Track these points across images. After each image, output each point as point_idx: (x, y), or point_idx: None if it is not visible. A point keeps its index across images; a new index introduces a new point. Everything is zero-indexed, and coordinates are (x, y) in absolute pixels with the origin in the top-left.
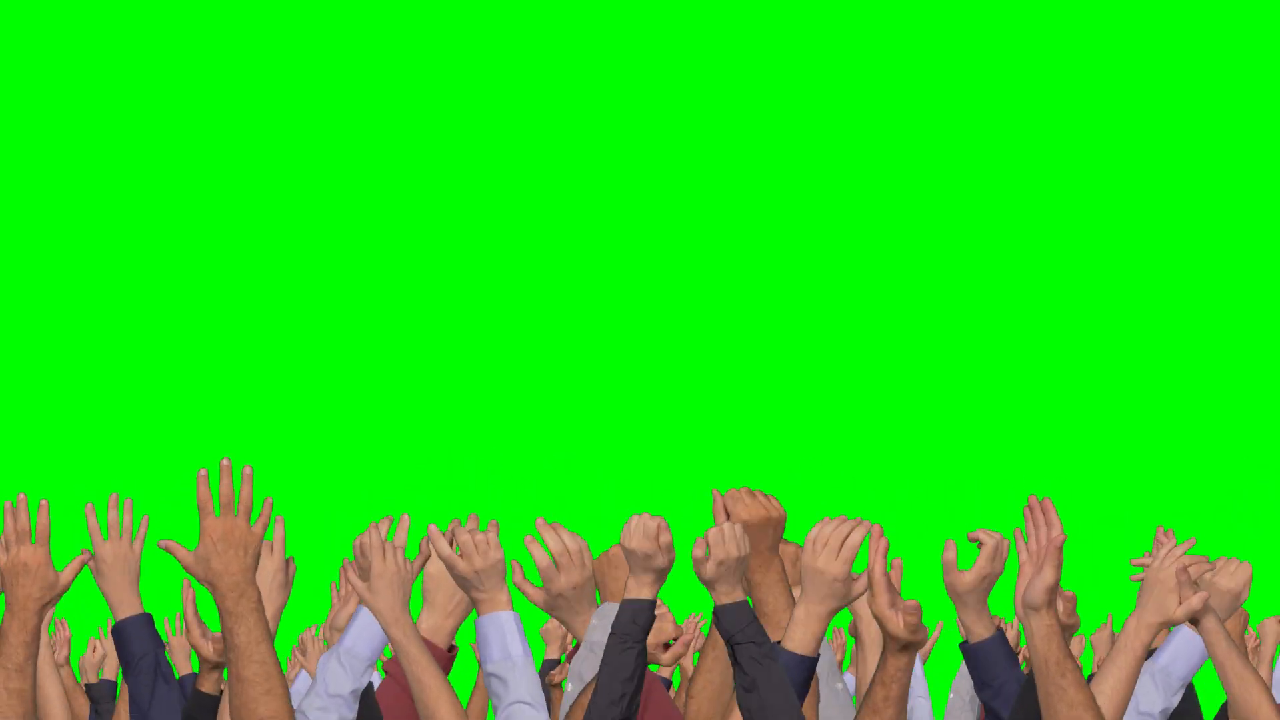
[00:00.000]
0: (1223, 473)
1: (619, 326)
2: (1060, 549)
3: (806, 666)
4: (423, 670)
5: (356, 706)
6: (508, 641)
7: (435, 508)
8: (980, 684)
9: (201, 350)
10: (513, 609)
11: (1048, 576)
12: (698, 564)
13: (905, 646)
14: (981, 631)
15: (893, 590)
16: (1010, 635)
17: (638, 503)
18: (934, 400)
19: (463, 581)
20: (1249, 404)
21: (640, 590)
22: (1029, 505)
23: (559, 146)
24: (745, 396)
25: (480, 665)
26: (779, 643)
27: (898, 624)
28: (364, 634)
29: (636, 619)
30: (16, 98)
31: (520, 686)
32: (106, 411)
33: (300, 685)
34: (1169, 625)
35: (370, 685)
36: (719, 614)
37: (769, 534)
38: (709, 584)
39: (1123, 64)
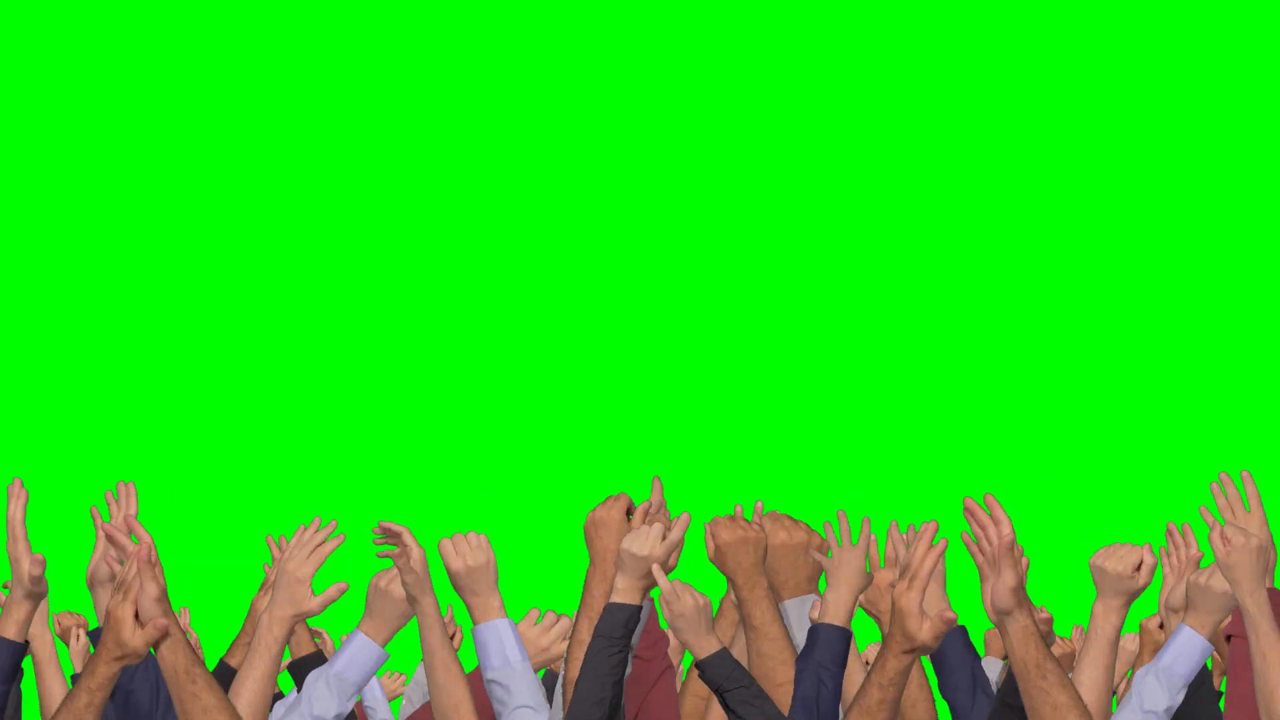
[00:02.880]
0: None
1: (620, 327)
2: (1011, 546)
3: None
4: (438, 646)
5: None
6: (506, 649)
7: (438, 508)
8: (940, 673)
9: (203, 352)
10: (506, 616)
11: (1008, 578)
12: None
13: (913, 649)
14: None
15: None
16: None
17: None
18: (935, 402)
19: (456, 581)
20: (1246, 407)
21: (630, 595)
22: (966, 508)
23: (559, 147)
24: (747, 397)
25: (481, 672)
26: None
27: (920, 626)
28: (356, 660)
29: (628, 624)
30: (16, 98)
31: (522, 692)
32: (106, 413)
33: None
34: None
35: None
36: (701, 669)
37: (749, 553)
38: (681, 640)
39: (1123, 64)
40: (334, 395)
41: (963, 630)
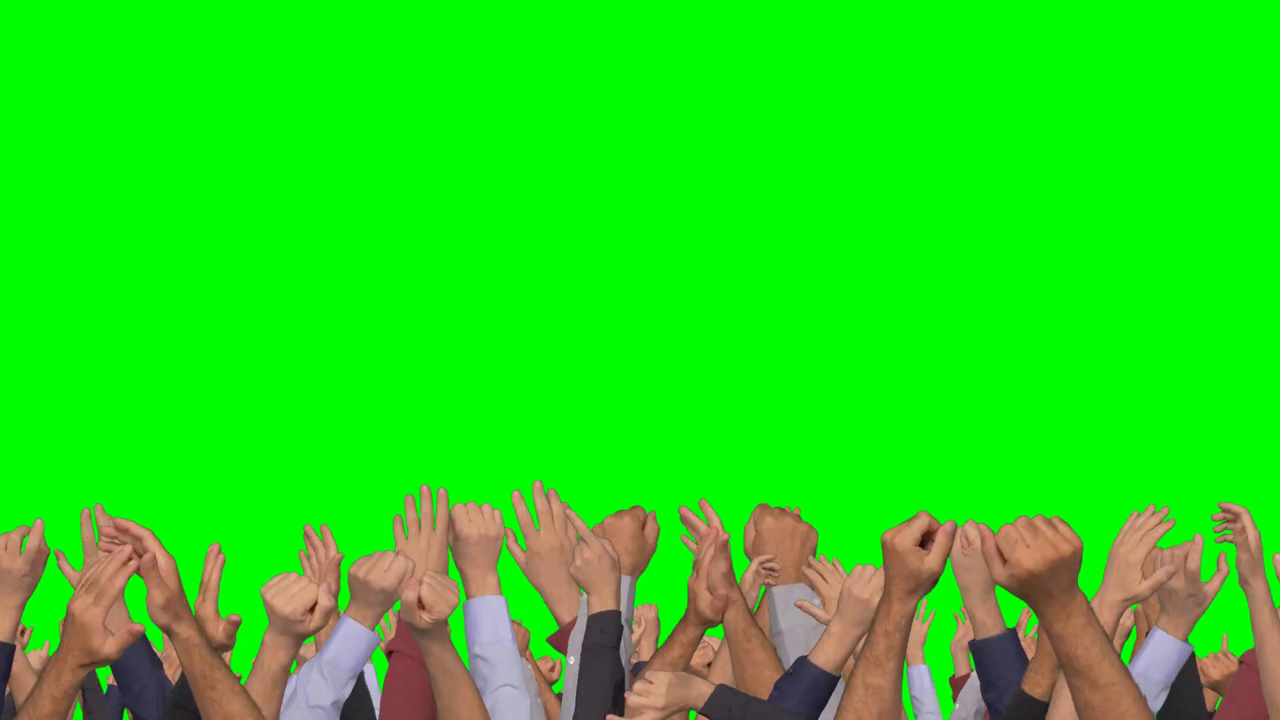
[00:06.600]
0: (1218, 484)
1: (619, 324)
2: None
3: (830, 684)
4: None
5: (337, 718)
6: (498, 625)
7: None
8: (986, 683)
9: (204, 356)
10: (502, 595)
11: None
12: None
13: (916, 590)
14: (992, 627)
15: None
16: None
17: (632, 495)
18: (937, 401)
19: (461, 548)
20: (1244, 411)
21: (606, 603)
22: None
23: (559, 146)
24: (744, 395)
25: (468, 646)
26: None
27: (923, 559)
28: (347, 645)
29: (605, 629)
30: (16, 98)
31: (508, 670)
32: (106, 415)
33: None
34: (1133, 602)
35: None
36: (703, 714)
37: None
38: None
39: (1123, 64)
40: (336, 397)
41: (1012, 635)
